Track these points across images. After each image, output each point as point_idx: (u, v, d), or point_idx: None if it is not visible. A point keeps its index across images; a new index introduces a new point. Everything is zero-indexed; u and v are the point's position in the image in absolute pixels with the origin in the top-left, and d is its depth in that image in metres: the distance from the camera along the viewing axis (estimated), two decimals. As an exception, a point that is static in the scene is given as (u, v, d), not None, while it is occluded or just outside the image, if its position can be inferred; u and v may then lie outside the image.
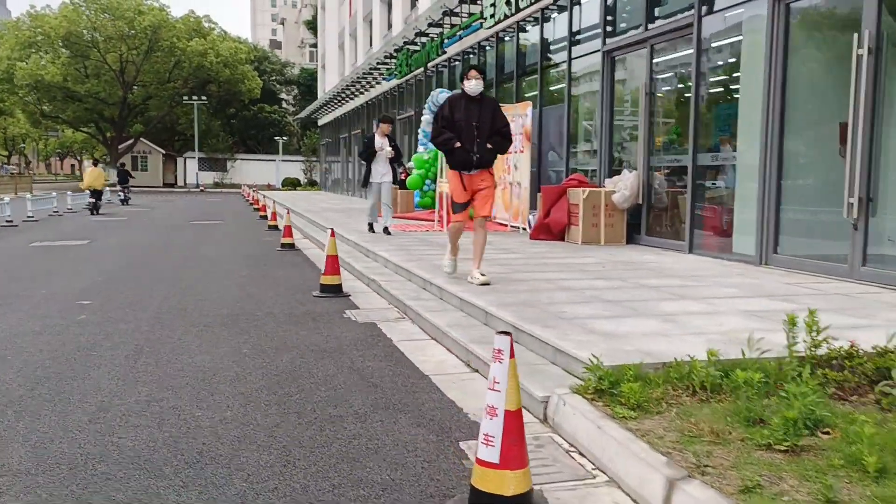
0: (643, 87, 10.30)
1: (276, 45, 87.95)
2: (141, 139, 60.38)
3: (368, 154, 12.36)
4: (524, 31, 14.60)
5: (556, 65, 13.35)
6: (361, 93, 30.99)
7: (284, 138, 63.59)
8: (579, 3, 12.45)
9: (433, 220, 15.67)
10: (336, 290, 7.76)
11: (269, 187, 54.80)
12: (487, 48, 16.71)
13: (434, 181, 18.45)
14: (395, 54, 22.05)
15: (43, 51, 52.14)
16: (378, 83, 27.52)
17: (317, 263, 10.78)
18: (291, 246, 12.71)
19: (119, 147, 57.85)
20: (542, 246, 10.58)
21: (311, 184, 54.17)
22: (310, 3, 70.18)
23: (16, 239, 14.66)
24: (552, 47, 13.60)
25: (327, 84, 43.87)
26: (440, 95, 19.30)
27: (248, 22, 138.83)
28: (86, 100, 53.74)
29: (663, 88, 10.42)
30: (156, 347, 5.38)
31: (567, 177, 12.85)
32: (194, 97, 57.11)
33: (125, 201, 29.87)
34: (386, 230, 12.38)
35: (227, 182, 62.04)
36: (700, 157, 9.26)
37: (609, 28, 11.39)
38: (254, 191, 36.86)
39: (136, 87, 56.44)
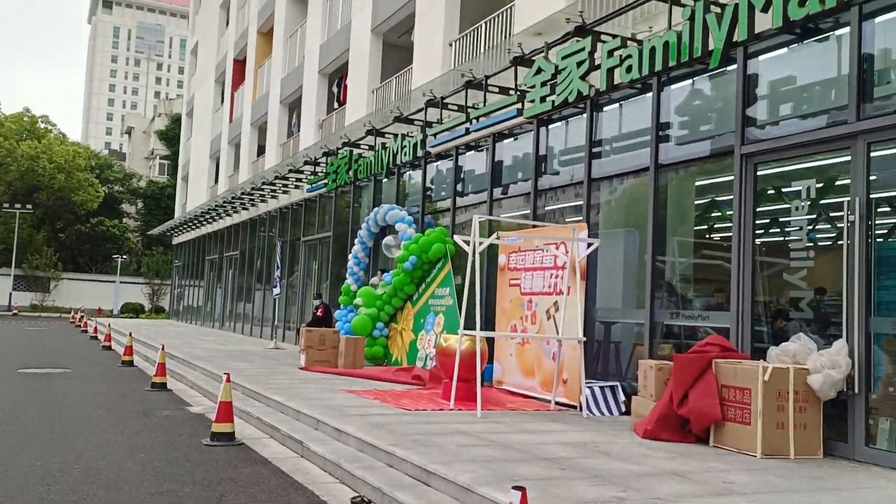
0: (855, 205, 6.61)
1: (119, 156, 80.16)
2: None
3: None
4: (567, 120, 10.68)
5: (629, 173, 9.53)
6: (246, 208, 26.02)
7: (125, 257, 55.54)
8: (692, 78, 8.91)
9: (418, 384, 10.89)
10: None
11: (100, 312, 46.51)
12: (486, 148, 12.69)
13: (387, 324, 13.76)
14: (319, 160, 17.62)
15: None
16: (274, 197, 22.83)
17: (307, 485, 5.80)
18: (231, 437, 7.49)
19: None
20: (704, 459, 6.22)
21: (157, 311, 46.59)
22: (165, 112, 64.44)
23: None
24: (614, 145, 9.84)
25: (189, 198, 38.19)
26: (390, 212, 15.01)
27: (80, 132, 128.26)
28: None
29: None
30: None
31: (659, 336, 8.79)
32: (17, 205, 48.74)
33: None
34: None
35: (50, 305, 52.55)
36: None
37: (751, 115, 7.83)
38: (93, 320, 29.84)
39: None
